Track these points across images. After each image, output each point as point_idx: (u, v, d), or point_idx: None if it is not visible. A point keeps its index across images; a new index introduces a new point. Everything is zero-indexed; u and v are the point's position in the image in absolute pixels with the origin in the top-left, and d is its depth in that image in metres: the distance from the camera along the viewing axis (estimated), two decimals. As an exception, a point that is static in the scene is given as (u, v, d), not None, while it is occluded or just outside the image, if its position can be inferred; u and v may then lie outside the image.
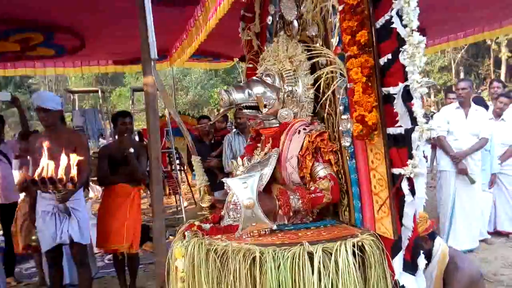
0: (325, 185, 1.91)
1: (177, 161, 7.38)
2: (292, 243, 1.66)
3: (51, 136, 3.22)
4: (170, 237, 5.91)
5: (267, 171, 1.99)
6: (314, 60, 2.05)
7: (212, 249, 1.71)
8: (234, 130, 4.93)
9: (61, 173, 2.65)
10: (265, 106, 2.05)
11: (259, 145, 2.25)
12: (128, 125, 3.87)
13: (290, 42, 2.20)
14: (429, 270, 2.21)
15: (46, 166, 2.65)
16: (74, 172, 2.68)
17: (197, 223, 2.04)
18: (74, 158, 2.86)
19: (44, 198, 3.21)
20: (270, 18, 2.46)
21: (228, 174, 4.68)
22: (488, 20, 6.79)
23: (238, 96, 2.02)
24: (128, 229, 3.67)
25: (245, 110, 2.08)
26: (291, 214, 1.90)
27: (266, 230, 1.80)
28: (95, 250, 4.05)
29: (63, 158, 2.75)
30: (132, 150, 3.69)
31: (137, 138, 6.31)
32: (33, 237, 3.41)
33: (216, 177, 4.78)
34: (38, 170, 2.65)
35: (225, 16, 4.71)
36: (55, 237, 3.19)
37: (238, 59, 8.69)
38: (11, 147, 6.90)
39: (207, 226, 1.97)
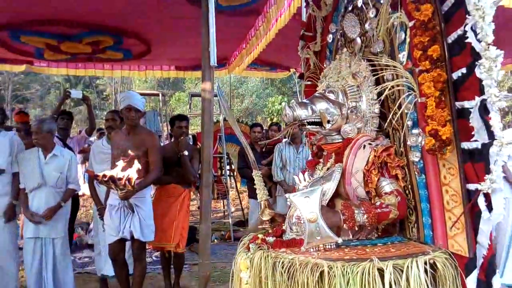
0: (391, 201, 1.86)
1: (228, 167, 7.50)
2: (361, 259, 1.64)
3: (129, 134, 3.42)
4: (215, 240, 6.02)
5: (331, 186, 1.97)
6: (379, 75, 2.03)
7: (279, 261, 1.71)
8: (286, 139, 4.94)
9: (121, 174, 2.82)
10: (328, 121, 2.04)
11: (321, 161, 2.24)
12: (184, 129, 4.01)
13: (353, 58, 2.19)
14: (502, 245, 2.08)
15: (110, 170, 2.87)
16: (133, 175, 2.82)
17: (260, 235, 2.05)
18: (144, 158, 3.07)
19: (114, 193, 3.37)
20: (331, 36, 2.48)
21: (277, 183, 4.71)
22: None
23: (301, 112, 2.02)
24: (176, 229, 3.78)
25: (308, 126, 2.08)
26: (356, 229, 1.86)
27: (331, 244, 1.79)
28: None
29: (130, 160, 2.92)
30: (186, 152, 3.82)
31: (191, 142, 6.50)
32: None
33: (265, 185, 4.81)
34: (105, 173, 2.84)
35: (284, 27, 4.79)
36: (118, 231, 3.35)
37: (294, 70, 8.75)
38: (76, 142, 7.38)
39: (271, 239, 1.97)
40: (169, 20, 5.03)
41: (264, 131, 5.88)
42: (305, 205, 1.76)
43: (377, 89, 2.04)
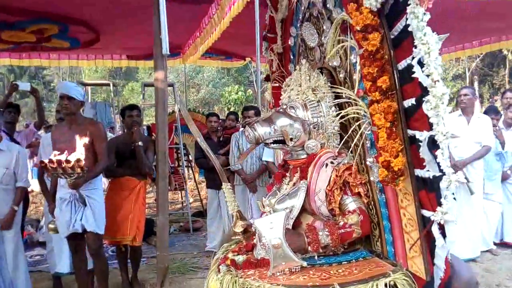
0: (354, 220, 1.89)
1: (185, 158, 7.41)
2: (323, 285, 1.67)
3: (71, 125, 3.27)
4: (174, 232, 5.96)
5: (297, 204, 1.99)
6: (336, 92, 2.03)
7: None
8: (242, 129, 4.94)
9: (69, 157, 2.71)
10: (291, 139, 2.02)
11: (287, 174, 2.24)
12: (135, 118, 3.89)
13: (312, 72, 2.17)
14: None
15: (58, 152, 2.75)
16: (82, 157, 2.73)
17: (230, 255, 2.03)
18: (90, 148, 2.95)
19: (63, 186, 3.24)
20: (292, 39, 2.46)
21: (234, 172, 4.70)
22: (505, 30, 6.73)
23: (262, 131, 1.99)
24: (132, 222, 3.69)
25: (272, 145, 2.07)
26: (320, 250, 1.90)
27: (296, 267, 1.81)
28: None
29: (77, 146, 2.82)
30: (140, 143, 3.72)
31: (145, 133, 6.35)
32: (51, 225, 3.43)
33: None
34: (51, 156, 2.74)
35: (238, 15, 4.76)
36: (69, 225, 3.21)
37: (250, 59, 8.74)
38: (24, 136, 6.99)
39: (241, 259, 1.97)
40: (118, 7, 4.85)
41: (221, 120, 5.84)
42: (269, 231, 1.78)
43: (338, 113, 2.03)
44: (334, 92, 2.05)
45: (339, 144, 2.07)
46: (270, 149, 2.21)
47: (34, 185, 6.25)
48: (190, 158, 7.60)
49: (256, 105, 5.53)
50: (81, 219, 3.20)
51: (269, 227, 1.78)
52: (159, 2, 3.36)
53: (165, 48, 3.43)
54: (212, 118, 5.29)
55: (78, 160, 2.72)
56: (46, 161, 2.75)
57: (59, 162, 2.71)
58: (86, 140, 2.96)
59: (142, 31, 5.21)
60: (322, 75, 2.13)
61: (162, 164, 3.62)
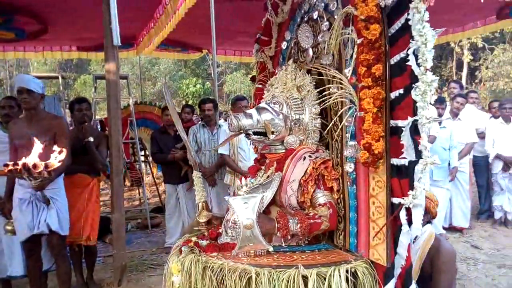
0: (324, 212, 1.97)
1: (141, 153, 7.22)
2: (288, 265, 1.71)
3: (31, 120, 3.09)
4: (132, 229, 5.81)
5: (269, 194, 2.04)
6: (322, 89, 2.12)
7: (209, 266, 1.77)
8: (200, 122, 4.86)
9: (36, 160, 2.58)
10: (272, 132, 2.11)
11: (262, 167, 2.29)
12: (84, 112, 3.70)
13: (298, 71, 2.27)
14: (414, 248, 2.30)
15: (22, 152, 2.65)
16: (50, 159, 2.61)
17: (194, 239, 2.06)
18: (51, 145, 2.81)
19: (22, 185, 3.05)
20: (285, 43, 2.53)
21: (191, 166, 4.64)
22: (452, 23, 7.02)
23: (246, 122, 2.08)
24: (86, 221, 3.54)
25: (253, 136, 2.14)
26: (289, 237, 1.95)
27: (262, 251, 1.85)
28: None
29: (41, 145, 2.68)
30: (91, 139, 3.55)
31: (99, 128, 6.10)
32: (8, 227, 3.22)
33: (180, 169, 4.72)
34: (15, 160, 2.60)
35: (194, 6, 4.66)
36: (32, 226, 3.03)
37: (207, 51, 8.63)
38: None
39: (204, 242, 2.00)
40: (65, -4, 4.62)
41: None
42: (243, 210, 1.82)
43: (320, 102, 2.15)
44: (319, 92, 2.16)
45: (318, 141, 2.19)
46: (250, 140, 2.27)
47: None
48: (147, 153, 7.41)
49: (213, 97, 5.46)
50: (45, 220, 3.05)
51: (244, 207, 1.83)
52: (109, -10, 3.23)
53: (116, 39, 3.31)
54: (168, 111, 5.17)
55: (46, 166, 2.59)
56: (11, 164, 2.58)
57: (25, 166, 2.56)
58: (47, 138, 2.87)
59: (92, 21, 4.99)
60: (309, 75, 2.24)
61: (116, 160, 3.51)
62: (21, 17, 5.33)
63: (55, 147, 2.72)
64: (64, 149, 2.85)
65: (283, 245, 1.97)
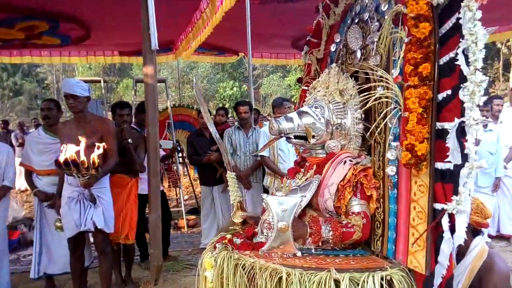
0: (357, 222, 1.93)
1: (179, 154, 7.35)
2: (320, 268, 1.68)
3: (79, 122, 3.22)
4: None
5: (307, 196, 2.03)
6: (366, 94, 2.06)
7: (240, 264, 1.77)
8: (236, 124, 4.89)
9: (83, 157, 2.69)
10: (313, 136, 2.10)
11: (302, 170, 2.29)
12: (125, 117, 3.83)
13: (341, 75, 2.24)
14: (464, 264, 2.19)
15: (71, 150, 2.73)
16: (96, 157, 2.72)
17: (229, 236, 2.08)
18: (98, 144, 2.94)
19: (71, 184, 3.19)
20: (334, 45, 2.51)
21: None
22: (499, 23, 6.70)
23: (287, 126, 2.08)
24: (124, 220, 3.65)
25: (293, 140, 2.14)
26: (320, 244, 1.92)
27: (289, 254, 1.84)
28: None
29: (89, 144, 2.80)
30: (130, 140, 3.66)
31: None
32: (58, 224, 3.39)
33: (216, 171, 4.76)
34: (64, 154, 2.71)
35: (230, 10, 4.70)
36: (79, 224, 3.15)
37: (243, 54, 8.68)
38: (14, 135, 6.87)
39: (238, 240, 2.02)
40: (108, 3, 4.78)
41: (212, 116, 5.79)
42: (280, 212, 1.81)
43: (362, 106, 2.10)
44: (362, 100, 2.10)
45: (360, 146, 2.15)
46: (290, 143, 2.26)
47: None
48: (184, 154, 7.54)
49: (249, 100, 5.47)
50: (91, 218, 3.18)
51: (281, 209, 1.83)
52: (147, -4, 3.31)
53: (154, 43, 3.38)
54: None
55: (93, 162, 2.72)
56: (61, 160, 2.71)
57: (75, 162, 2.68)
58: (95, 140, 2.99)
59: (132, 26, 5.13)
60: (352, 79, 2.20)
61: (153, 161, 3.57)
62: (66, 23, 5.57)
63: (96, 150, 2.82)
64: (111, 150, 3.01)
65: (313, 251, 1.93)
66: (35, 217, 3.87)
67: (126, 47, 7.67)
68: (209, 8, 5.04)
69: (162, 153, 4.86)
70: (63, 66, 20.01)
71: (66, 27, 5.73)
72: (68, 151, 2.77)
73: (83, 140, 2.87)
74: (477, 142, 4.31)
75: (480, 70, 1.49)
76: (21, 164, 3.72)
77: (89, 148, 2.91)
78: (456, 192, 1.57)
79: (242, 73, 23.20)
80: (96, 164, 2.76)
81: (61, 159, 2.74)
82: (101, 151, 2.83)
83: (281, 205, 1.83)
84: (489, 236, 4.88)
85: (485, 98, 1.52)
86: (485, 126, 4.72)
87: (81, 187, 3.09)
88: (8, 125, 9.08)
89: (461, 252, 2.15)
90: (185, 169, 8.06)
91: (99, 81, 8.69)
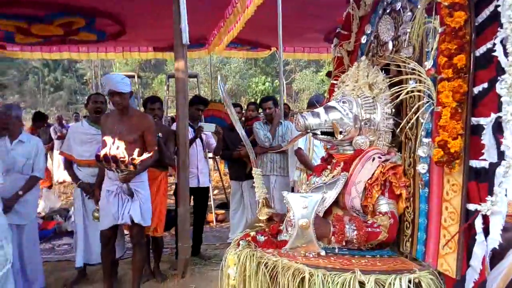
0: (384, 222, 1.83)
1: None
2: (344, 269, 1.62)
3: (122, 116, 3.28)
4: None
5: (332, 195, 1.96)
6: (397, 87, 1.95)
7: (263, 262, 1.72)
8: (262, 119, 4.88)
9: (123, 153, 2.74)
10: (340, 132, 2.01)
11: (329, 166, 2.21)
12: (156, 111, 3.88)
13: (371, 68, 2.15)
14: (500, 267, 2.08)
15: (112, 145, 2.77)
16: (135, 154, 2.76)
17: (252, 233, 2.04)
18: (139, 141, 3.04)
19: (110, 178, 3.26)
20: (365, 37, 2.42)
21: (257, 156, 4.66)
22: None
23: (313, 121, 2.01)
24: (154, 213, 3.67)
25: (320, 136, 2.06)
26: (344, 243, 1.84)
27: (313, 253, 1.78)
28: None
29: (129, 140, 2.86)
30: (160, 134, 3.71)
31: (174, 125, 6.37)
32: (96, 214, 3.50)
33: (246, 166, 4.76)
34: (106, 149, 2.77)
35: (262, 4, 4.67)
36: (116, 217, 3.23)
37: (276, 49, 8.63)
38: (53, 128, 7.10)
39: (262, 238, 1.98)
40: (141, -1, 4.87)
41: (243, 111, 5.78)
42: (300, 210, 1.75)
43: (392, 100, 2.00)
44: (392, 94, 1.99)
45: (390, 142, 2.05)
46: (317, 139, 2.20)
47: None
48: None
49: (273, 95, 5.45)
50: (128, 212, 3.24)
51: (302, 206, 1.76)
52: (179, -10, 3.33)
53: (185, 38, 3.40)
54: (236, 109, 5.23)
55: (132, 159, 2.75)
56: (101, 154, 2.77)
57: (115, 158, 2.73)
58: (136, 136, 3.06)
59: (165, 22, 5.21)
60: (382, 72, 2.10)
61: (182, 155, 3.61)
62: (102, 19, 5.71)
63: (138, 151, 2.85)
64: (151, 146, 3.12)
65: (336, 251, 1.88)
66: (74, 207, 4.00)
67: (160, 43, 7.79)
68: (240, 3, 5.03)
69: (212, 141, 4.82)
70: (101, 62, 20.60)
71: (101, 23, 5.87)
72: (109, 147, 2.81)
73: (124, 137, 2.93)
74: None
75: None
76: (61, 152, 3.84)
77: (130, 145, 2.95)
78: (491, 192, 1.46)
79: (274, 68, 23.09)
80: (136, 161, 2.79)
81: (101, 153, 2.79)
82: (144, 157, 2.85)
83: (302, 202, 1.77)
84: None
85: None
86: None
87: (120, 181, 3.15)
88: (47, 119, 9.44)
89: (498, 255, 2.04)
90: (215, 163, 8.11)
91: (133, 76, 8.87)
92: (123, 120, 3.24)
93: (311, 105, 4.39)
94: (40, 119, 7.94)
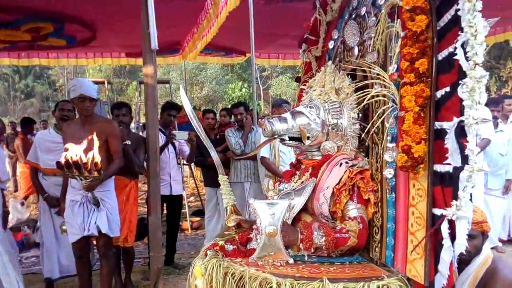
0: (353, 227, 1.83)
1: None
2: (312, 278, 1.61)
3: (85, 123, 3.17)
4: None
5: (300, 201, 1.95)
6: (362, 91, 1.96)
7: (230, 272, 1.71)
8: (235, 125, 4.85)
9: (86, 158, 2.65)
10: (308, 138, 2.01)
11: (298, 172, 2.22)
12: (121, 117, 3.79)
13: (337, 73, 2.17)
14: (467, 271, 2.08)
15: (73, 152, 2.68)
16: (99, 159, 2.68)
17: (220, 242, 2.00)
18: (103, 147, 2.92)
19: (74, 187, 3.15)
20: (332, 42, 2.43)
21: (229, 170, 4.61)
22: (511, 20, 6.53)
23: (280, 127, 2.01)
24: (123, 222, 3.59)
25: (287, 141, 2.05)
26: (312, 250, 1.83)
27: (281, 261, 1.76)
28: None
29: (91, 146, 2.75)
30: (128, 142, 3.62)
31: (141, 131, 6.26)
32: (64, 227, 3.34)
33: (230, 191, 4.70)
34: (67, 154, 2.67)
35: (235, 10, 4.65)
36: (82, 228, 3.11)
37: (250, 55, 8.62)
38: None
39: (230, 247, 1.95)
40: (110, 4, 4.76)
41: (217, 118, 5.74)
42: (268, 217, 1.74)
43: (358, 104, 2.00)
44: (358, 97, 2.00)
45: (357, 147, 2.06)
46: (284, 145, 2.17)
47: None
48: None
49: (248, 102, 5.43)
50: (95, 222, 3.12)
51: (269, 212, 1.75)
52: (146, -5, 3.26)
53: (154, 43, 3.32)
54: (209, 115, 5.20)
55: (95, 164, 2.67)
56: (62, 161, 2.67)
57: (77, 164, 2.64)
58: (100, 142, 2.92)
59: (136, 27, 5.11)
60: (349, 77, 2.11)
61: (153, 163, 3.52)
62: (71, 24, 5.57)
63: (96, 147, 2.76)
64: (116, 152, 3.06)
65: (311, 254, 1.85)
66: (41, 220, 3.86)
67: (132, 48, 7.67)
68: (213, 8, 5.00)
69: (185, 148, 4.73)
70: (74, 68, 20.18)
71: (71, 28, 5.73)
72: (70, 152, 2.71)
73: (85, 141, 2.81)
74: (485, 143, 4.15)
75: (481, 65, 1.38)
76: (27, 161, 3.71)
77: (90, 145, 2.83)
78: (456, 197, 1.46)
79: (251, 74, 23.15)
80: (99, 166, 2.70)
81: (62, 160, 2.69)
82: (96, 151, 2.76)
83: (269, 209, 1.75)
84: (500, 240, 4.74)
85: (486, 95, 1.41)
86: (495, 126, 4.58)
87: (84, 190, 3.03)
88: (15, 127, 9.16)
89: (466, 262, 2.05)
90: (191, 170, 8.01)
91: (103, 83, 8.70)
92: (86, 127, 3.13)
93: (275, 107, 4.41)
94: (29, 124, 7.70)
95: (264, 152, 4.26)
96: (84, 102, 3.10)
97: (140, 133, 5.45)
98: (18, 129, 9.83)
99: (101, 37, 6.38)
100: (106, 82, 8.02)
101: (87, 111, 3.13)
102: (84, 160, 2.67)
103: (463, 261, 2.01)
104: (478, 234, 2.12)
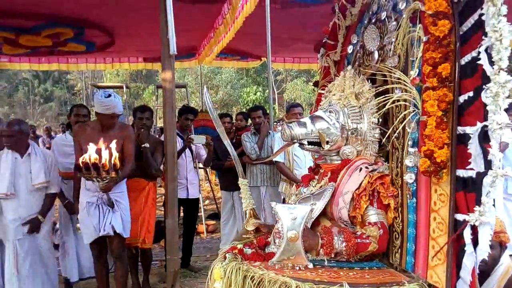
0: (373, 232, 1.83)
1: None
2: (332, 282, 1.60)
3: (102, 127, 3.25)
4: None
5: (319, 205, 1.94)
6: (383, 96, 1.95)
7: (249, 275, 1.70)
8: (252, 129, 4.86)
9: (104, 160, 2.71)
10: (327, 142, 2.01)
11: (316, 177, 2.21)
12: (144, 120, 3.86)
13: (357, 77, 2.16)
14: (490, 283, 2.05)
15: (91, 153, 2.74)
16: (117, 160, 2.74)
17: (239, 246, 2.01)
18: (119, 147, 2.97)
19: (89, 190, 3.22)
20: (351, 47, 2.42)
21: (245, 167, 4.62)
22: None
23: (299, 131, 2.01)
24: (142, 224, 3.64)
25: (307, 146, 2.05)
26: (333, 255, 1.83)
27: (301, 265, 1.76)
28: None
29: (109, 147, 2.81)
30: (147, 145, 3.67)
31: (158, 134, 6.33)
32: (78, 225, 3.43)
33: (237, 177, 4.71)
34: (84, 156, 2.73)
35: (252, 14, 4.68)
36: (98, 228, 3.17)
37: (266, 59, 8.66)
38: (41, 140, 7.01)
39: (249, 250, 1.95)
40: (129, 10, 4.85)
41: (233, 121, 5.76)
42: (289, 221, 1.73)
43: (379, 109, 1.99)
44: (379, 103, 1.98)
45: (377, 152, 2.04)
46: (304, 150, 2.16)
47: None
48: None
49: (264, 105, 5.45)
50: (110, 222, 3.19)
51: (290, 217, 1.74)
52: (165, 1, 3.32)
53: (173, 48, 3.38)
54: (225, 119, 5.21)
55: (114, 165, 2.73)
56: (81, 161, 2.73)
57: (95, 165, 2.70)
58: (118, 143, 2.98)
59: (154, 32, 5.20)
60: (369, 82, 2.10)
61: (170, 166, 3.56)
62: (91, 30, 5.68)
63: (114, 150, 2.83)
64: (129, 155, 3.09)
65: (326, 263, 1.85)
66: (62, 223, 3.95)
67: (150, 54, 7.78)
68: (230, 13, 5.04)
69: (202, 152, 4.79)
70: (91, 73, 20.53)
71: (90, 34, 5.85)
72: (88, 154, 2.77)
73: (102, 143, 2.86)
74: (504, 146, 4.08)
75: (505, 70, 1.37)
76: None
77: (107, 150, 2.88)
78: (479, 202, 1.45)
79: (266, 78, 23.16)
80: (118, 166, 2.77)
81: (81, 161, 2.74)
82: (115, 154, 2.82)
83: (291, 214, 1.75)
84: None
85: (510, 100, 1.39)
86: None
87: (100, 192, 3.10)
88: (35, 130, 9.38)
89: (484, 273, 2.02)
90: (206, 174, 8.06)
91: (121, 87, 8.85)
92: (104, 131, 3.21)
93: (291, 107, 4.40)
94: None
95: (278, 156, 4.27)
96: (113, 119, 3.22)
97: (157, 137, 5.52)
98: (38, 132, 10.05)
99: (119, 42, 6.49)
100: (124, 87, 8.12)
101: (114, 125, 3.25)
102: (103, 161, 2.72)
103: (482, 274, 1.98)
104: (496, 244, 2.09)
